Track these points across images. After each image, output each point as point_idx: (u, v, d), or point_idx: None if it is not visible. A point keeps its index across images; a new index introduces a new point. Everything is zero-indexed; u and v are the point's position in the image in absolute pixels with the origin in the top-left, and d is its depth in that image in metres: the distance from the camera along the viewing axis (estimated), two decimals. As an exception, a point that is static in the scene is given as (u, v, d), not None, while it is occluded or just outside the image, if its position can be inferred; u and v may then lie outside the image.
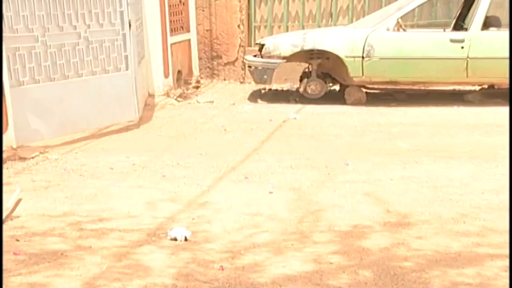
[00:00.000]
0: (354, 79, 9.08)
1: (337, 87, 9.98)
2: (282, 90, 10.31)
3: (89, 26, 7.10)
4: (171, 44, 9.72)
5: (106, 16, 7.27)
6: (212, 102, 9.47)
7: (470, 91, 9.67)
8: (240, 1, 11.05)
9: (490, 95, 9.19)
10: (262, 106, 9.11)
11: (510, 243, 3.80)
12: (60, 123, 6.88)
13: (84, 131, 7.26)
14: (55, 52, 6.78)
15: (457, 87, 9.95)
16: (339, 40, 9.06)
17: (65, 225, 4.52)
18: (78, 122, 7.09)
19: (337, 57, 9.01)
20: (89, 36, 7.11)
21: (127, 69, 7.56)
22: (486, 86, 9.50)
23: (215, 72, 11.23)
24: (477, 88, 9.70)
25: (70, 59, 6.94)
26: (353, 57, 8.96)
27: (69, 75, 6.95)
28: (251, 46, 11.05)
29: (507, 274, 3.68)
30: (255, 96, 9.80)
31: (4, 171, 5.83)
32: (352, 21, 11.09)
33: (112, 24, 7.36)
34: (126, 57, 7.54)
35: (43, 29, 6.60)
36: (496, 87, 9.35)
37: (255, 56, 9.35)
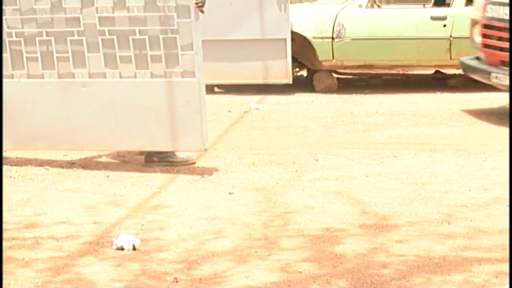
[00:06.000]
0: (324, 63, 9.11)
1: (304, 73, 10.02)
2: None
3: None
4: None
5: None
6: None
7: (454, 75, 9.78)
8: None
9: (476, 79, 9.30)
10: (220, 95, 9.10)
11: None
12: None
13: None
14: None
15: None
16: (305, 18, 9.09)
17: (-7, 234, 4.47)
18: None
19: (304, 38, 9.04)
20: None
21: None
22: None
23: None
24: (462, 71, 9.82)
25: None
26: (322, 38, 8.99)
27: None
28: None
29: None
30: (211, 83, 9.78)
31: None
32: (320, -3, 11.12)
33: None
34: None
35: None
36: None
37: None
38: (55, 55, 5.73)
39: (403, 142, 6.66)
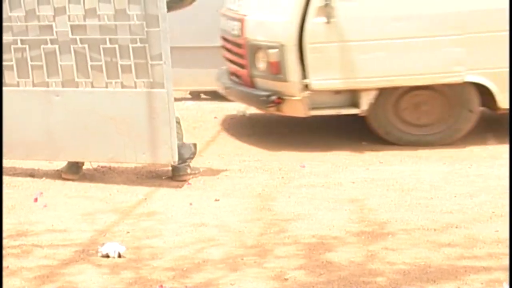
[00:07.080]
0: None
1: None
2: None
3: None
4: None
5: None
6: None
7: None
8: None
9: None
10: (206, 101, 9.08)
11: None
12: None
13: None
14: None
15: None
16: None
17: (-22, 242, 4.43)
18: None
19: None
20: None
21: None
22: None
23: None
24: None
25: None
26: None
27: None
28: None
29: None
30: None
31: None
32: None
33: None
34: None
35: None
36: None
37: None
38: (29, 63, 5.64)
39: (389, 148, 6.65)
